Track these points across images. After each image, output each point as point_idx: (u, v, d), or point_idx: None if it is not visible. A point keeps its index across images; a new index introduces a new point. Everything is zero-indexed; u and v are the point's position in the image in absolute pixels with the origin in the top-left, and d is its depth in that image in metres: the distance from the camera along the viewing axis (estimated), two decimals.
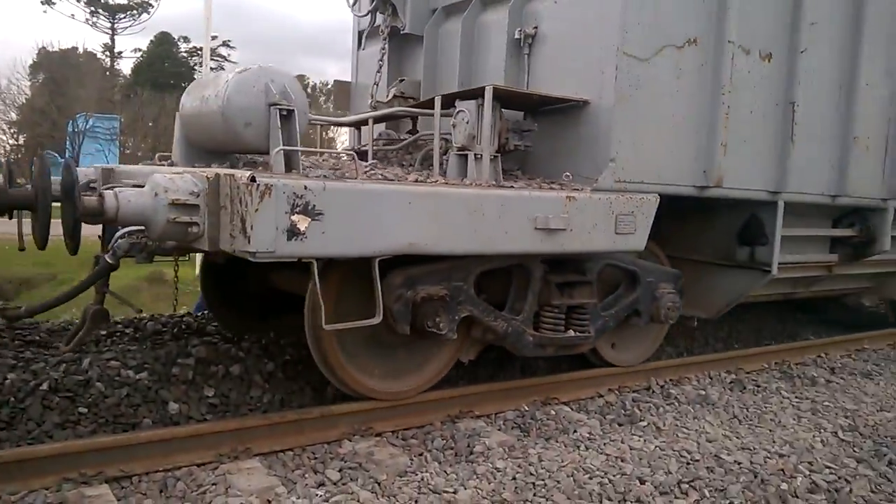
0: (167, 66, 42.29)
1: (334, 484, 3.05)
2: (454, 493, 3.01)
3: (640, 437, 3.84)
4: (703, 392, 4.72)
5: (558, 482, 3.17)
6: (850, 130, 5.20)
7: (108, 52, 39.52)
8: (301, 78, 48.89)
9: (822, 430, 4.22)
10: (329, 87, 42.57)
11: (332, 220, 2.91)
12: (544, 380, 4.36)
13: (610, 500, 3.07)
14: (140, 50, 42.40)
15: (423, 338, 3.59)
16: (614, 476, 3.28)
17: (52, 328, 5.06)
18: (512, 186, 3.72)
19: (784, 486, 3.32)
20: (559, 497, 3.05)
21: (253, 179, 2.74)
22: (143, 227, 3.03)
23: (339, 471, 3.16)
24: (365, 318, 3.25)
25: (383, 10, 5.13)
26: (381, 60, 5.23)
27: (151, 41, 42.23)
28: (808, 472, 3.52)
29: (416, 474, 3.18)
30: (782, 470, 3.53)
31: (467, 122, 3.80)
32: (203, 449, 3.12)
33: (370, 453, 3.34)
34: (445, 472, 3.23)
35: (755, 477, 3.40)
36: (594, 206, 3.76)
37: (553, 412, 4.09)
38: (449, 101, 3.96)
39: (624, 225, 3.91)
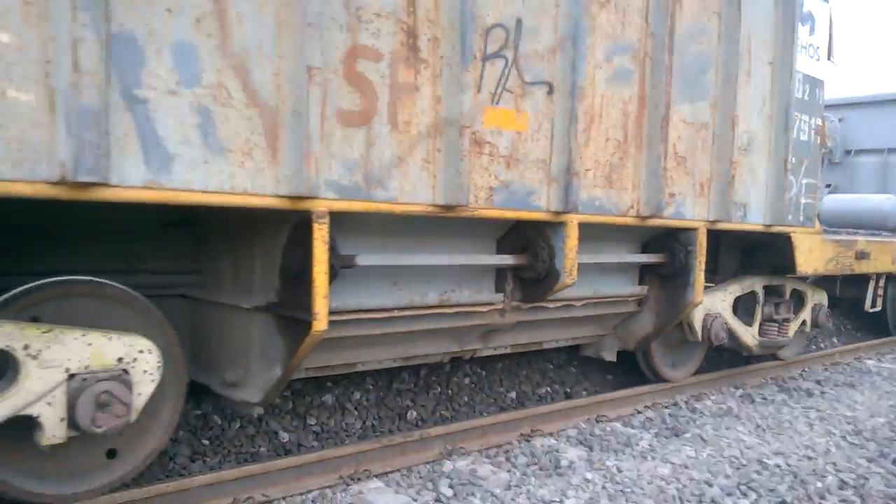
0: None
1: (450, 499, 3.30)
2: (560, 502, 3.34)
3: (690, 447, 4.25)
4: (724, 405, 5.19)
5: (642, 489, 3.54)
6: None
7: None
8: None
9: (832, 436, 4.69)
10: None
11: None
12: (592, 399, 4.85)
13: (688, 501, 3.45)
14: None
15: None
16: (687, 482, 3.68)
17: None
18: None
19: (819, 484, 3.77)
20: (648, 502, 3.41)
21: None
22: None
23: (450, 487, 3.43)
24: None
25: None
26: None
27: None
28: (834, 472, 3.98)
29: (521, 487, 3.48)
30: (814, 471, 3.98)
31: None
32: (328, 473, 3.40)
33: (472, 470, 3.64)
34: (546, 484, 3.54)
35: (795, 478, 3.85)
36: None
37: (609, 428, 4.50)
38: None
39: None
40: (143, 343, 2.79)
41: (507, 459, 3.85)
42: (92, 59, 2.26)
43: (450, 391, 5.00)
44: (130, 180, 2.41)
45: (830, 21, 5.88)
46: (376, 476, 3.50)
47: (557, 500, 3.35)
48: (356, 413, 4.40)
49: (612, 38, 4.04)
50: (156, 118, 2.46)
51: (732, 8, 4.78)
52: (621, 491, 3.51)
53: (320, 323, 2.94)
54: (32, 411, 2.53)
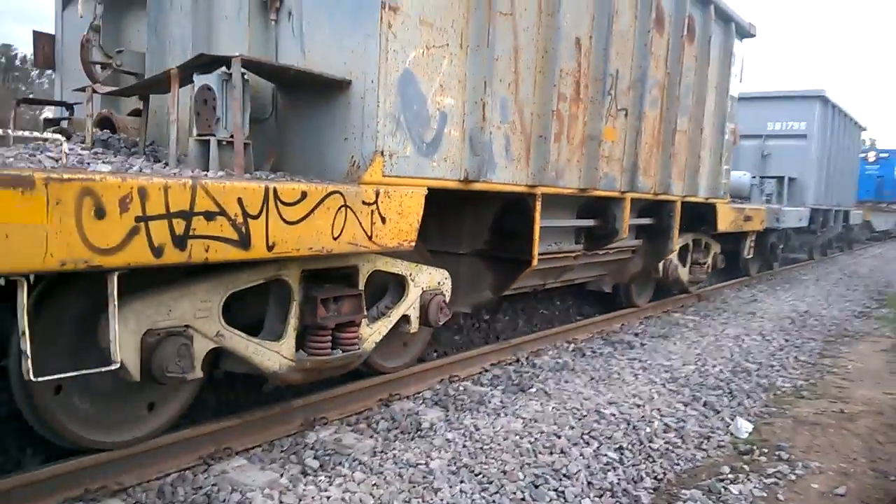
0: None
1: (316, 471, 3.25)
2: (426, 464, 3.38)
3: (537, 401, 4.45)
4: (560, 360, 5.49)
5: (500, 445, 3.67)
6: None
7: None
8: (7, 48, 41.36)
9: (654, 384, 5.06)
10: None
11: None
12: (444, 360, 4.99)
13: (541, 453, 3.63)
14: None
15: None
16: (538, 435, 3.85)
17: None
18: None
19: (648, 429, 4.10)
20: (506, 456, 3.54)
21: None
22: None
23: (316, 458, 3.38)
24: None
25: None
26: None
27: None
28: (659, 417, 4.33)
29: (387, 453, 3.48)
30: (643, 417, 4.28)
31: None
32: (186, 453, 3.21)
33: (337, 439, 3.60)
34: (410, 447, 3.56)
35: (628, 424, 4.13)
36: None
37: (461, 388, 4.63)
38: None
39: None
40: (445, 273, 4.61)
41: (369, 426, 3.87)
42: (491, 113, 4.07)
43: None
44: (481, 179, 4.25)
45: (743, 56, 8.53)
46: (238, 453, 3.37)
47: (423, 462, 3.41)
48: (211, 389, 4.19)
49: (653, 78, 6.25)
50: (492, 142, 4.30)
51: (704, 53, 7.19)
52: (481, 448, 3.62)
53: (535, 261, 4.93)
54: (408, 313, 4.32)
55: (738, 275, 11.95)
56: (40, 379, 2.39)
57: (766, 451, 4.03)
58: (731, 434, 4.28)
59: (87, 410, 3.06)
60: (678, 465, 3.76)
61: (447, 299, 4.57)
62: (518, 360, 5.44)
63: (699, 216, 8.42)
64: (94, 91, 3.88)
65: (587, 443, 3.84)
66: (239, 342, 3.27)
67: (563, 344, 6.16)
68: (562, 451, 3.67)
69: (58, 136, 2.69)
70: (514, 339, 5.94)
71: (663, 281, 8.15)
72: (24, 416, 2.94)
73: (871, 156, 26.05)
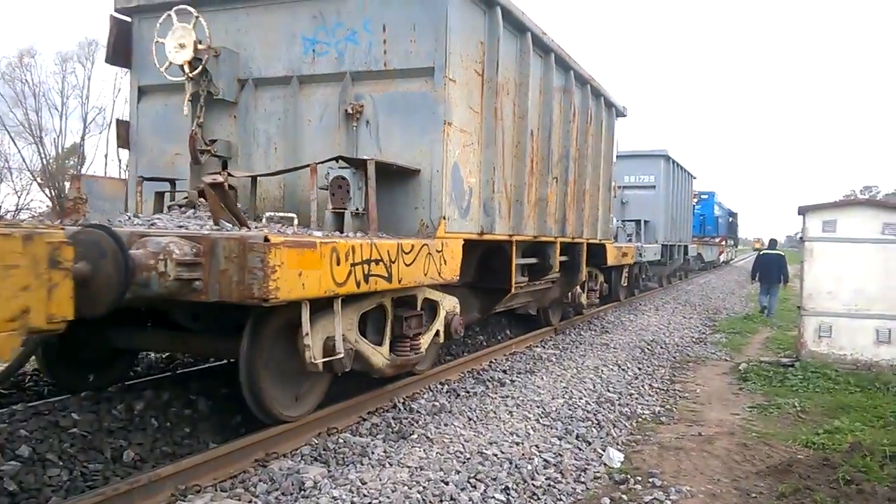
0: None
1: None
2: None
3: (420, 447, 4.38)
4: (437, 403, 5.46)
5: (388, 498, 3.56)
6: None
7: None
8: None
9: (528, 420, 5.11)
10: None
11: None
12: (320, 413, 4.76)
13: (431, 502, 3.59)
14: None
15: None
16: (426, 483, 3.80)
17: None
18: None
19: (529, 466, 4.19)
20: None
21: None
22: None
23: None
24: None
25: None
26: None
27: None
28: (538, 453, 4.42)
29: None
30: (524, 455, 4.35)
31: None
32: None
33: None
34: None
35: (511, 463, 4.19)
36: None
37: (341, 440, 4.47)
38: None
39: None
40: (456, 300, 6.38)
41: (247, 490, 3.65)
42: (500, 185, 5.98)
43: (168, 424, 4.71)
44: (489, 232, 6.11)
45: (618, 131, 11.14)
46: None
47: None
48: (60, 463, 3.91)
49: (571, 153, 8.48)
50: (494, 206, 6.19)
51: (598, 132, 9.63)
52: (370, 503, 3.53)
53: (513, 289, 6.85)
54: (439, 329, 6.04)
55: (610, 300, 14.52)
56: (318, 361, 3.95)
57: (639, 479, 4.26)
58: (605, 465, 4.51)
59: (281, 393, 4.51)
60: (561, 500, 3.89)
61: (461, 319, 6.35)
62: (395, 406, 5.37)
63: (592, 254, 10.78)
64: (230, 174, 5.31)
65: (474, 486, 3.87)
66: (365, 346, 4.86)
67: (438, 386, 6.18)
68: (452, 499, 3.67)
69: (292, 214, 4.21)
70: (388, 384, 5.74)
71: (571, 304, 10.35)
72: (245, 397, 4.34)
73: (694, 197, 30.58)
